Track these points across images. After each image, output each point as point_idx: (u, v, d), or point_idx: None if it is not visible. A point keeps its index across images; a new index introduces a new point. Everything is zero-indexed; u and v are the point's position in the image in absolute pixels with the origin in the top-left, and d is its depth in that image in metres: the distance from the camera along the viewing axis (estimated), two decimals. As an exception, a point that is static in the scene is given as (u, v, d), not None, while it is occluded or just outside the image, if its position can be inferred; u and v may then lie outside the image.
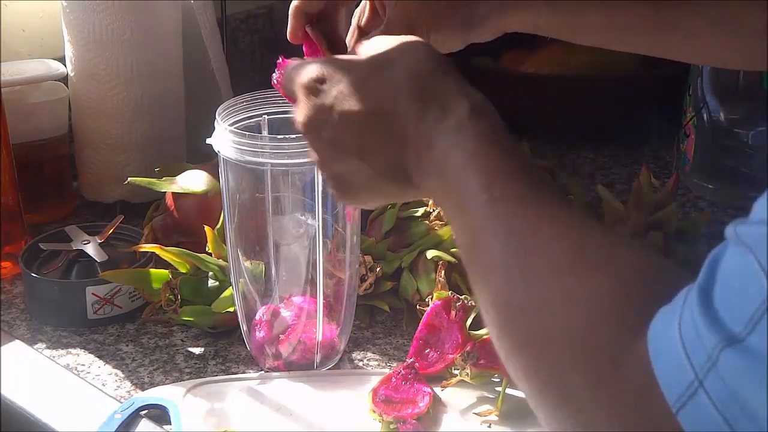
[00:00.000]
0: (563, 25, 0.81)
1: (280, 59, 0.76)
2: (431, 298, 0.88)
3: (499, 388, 0.83)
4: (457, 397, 0.85)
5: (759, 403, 0.43)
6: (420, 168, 0.64)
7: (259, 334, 0.88)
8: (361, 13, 0.82)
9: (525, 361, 0.54)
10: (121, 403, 0.85)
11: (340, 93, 0.67)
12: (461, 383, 0.86)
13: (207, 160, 1.00)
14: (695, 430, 0.45)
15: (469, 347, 0.85)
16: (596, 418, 0.50)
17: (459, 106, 0.63)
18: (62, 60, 1.13)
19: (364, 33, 0.80)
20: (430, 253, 0.95)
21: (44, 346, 0.94)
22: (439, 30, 0.78)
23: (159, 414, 0.83)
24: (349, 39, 0.81)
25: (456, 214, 0.62)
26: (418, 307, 0.93)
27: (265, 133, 0.87)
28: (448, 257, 0.94)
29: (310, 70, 0.69)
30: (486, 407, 0.83)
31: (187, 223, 1.01)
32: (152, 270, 0.95)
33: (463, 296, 0.87)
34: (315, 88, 0.68)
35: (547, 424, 0.54)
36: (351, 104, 0.66)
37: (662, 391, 0.46)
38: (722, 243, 0.47)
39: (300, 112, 0.69)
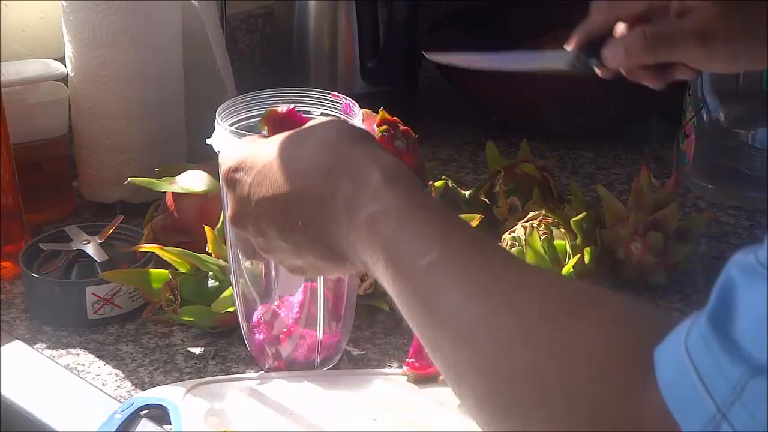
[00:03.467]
0: None
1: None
2: (431, 298, 0.88)
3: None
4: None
5: None
6: (348, 242, 0.62)
7: (259, 336, 0.88)
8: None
9: (515, 425, 0.51)
10: (121, 403, 0.85)
11: (253, 180, 0.67)
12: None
13: (207, 160, 1.00)
14: None
15: (469, 347, 0.85)
16: None
17: (370, 176, 0.62)
18: (62, 60, 1.13)
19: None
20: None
21: (44, 346, 0.94)
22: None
23: (159, 414, 0.83)
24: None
25: (398, 285, 0.58)
26: (418, 307, 0.93)
27: (264, 133, 0.87)
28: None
29: (227, 160, 0.70)
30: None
31: (187, 223, 1.01)
32: (152, 270, 0.95)
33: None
34: (233, 178, 0.69)
35: None
36: (264, 190, 0.66)
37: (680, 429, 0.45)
38: (727, 270, 0.45)
39: (228, 207, 0.70)
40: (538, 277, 0.55)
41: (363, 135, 0.67)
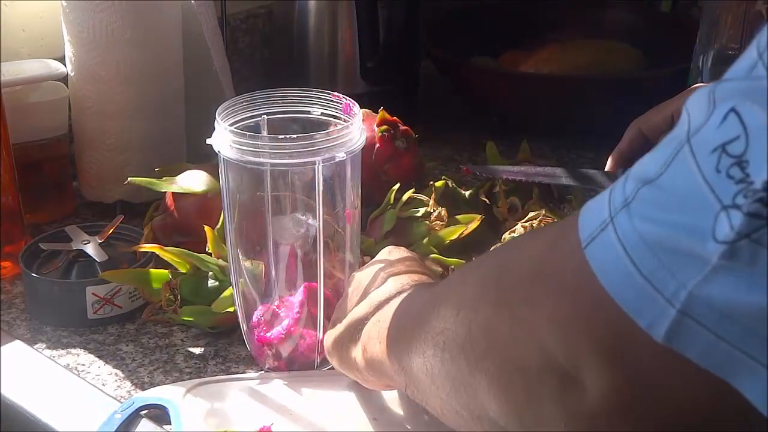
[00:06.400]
0: None
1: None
2: (431, 298, 0.88)
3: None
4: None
5: (662, 234, 0.44)
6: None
7: (260, 335, 0.88)
8: None
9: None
10: (121, 403, 0.85)
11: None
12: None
13: (207, 160, 1.00)
14: (599, 263, 0.47)
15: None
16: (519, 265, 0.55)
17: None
18: (62, 60, 1.13)
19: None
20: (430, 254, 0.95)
21: (44, 346, 0.94)
22: None
23: (159, 414, 0.83)
24: None
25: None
26: (418, 307, 0.93)
27: (264, 133, 0.87)
28: (448, 258, 0.94)
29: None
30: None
31: (187, 223, 1.01)
32: (152, 270, 0.95)
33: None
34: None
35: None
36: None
37: (578, 233, 0.49)
38: None
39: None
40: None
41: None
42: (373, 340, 0.74)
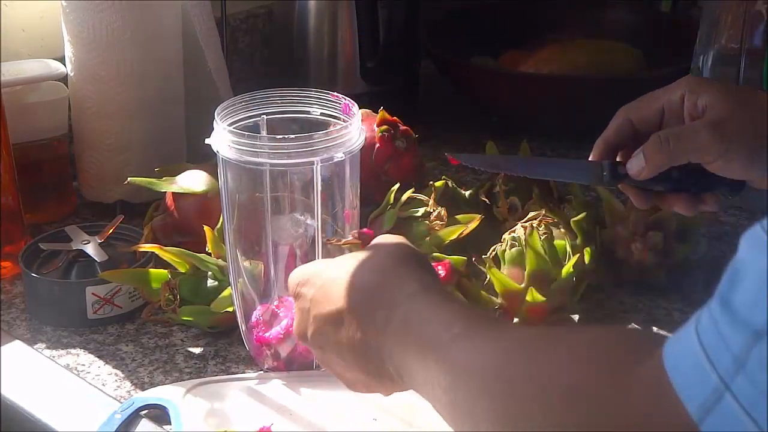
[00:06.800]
0: None
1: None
2: (431, 298, 0.88)
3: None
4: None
5: None
6: (388, 354, 0.67)
7: (258, 335, 0.88)
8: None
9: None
10: (121, 403, 0.85)
11: (314, 296, 0.72)
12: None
13: (207, 160, 1.00)
14: None
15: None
16: None
17: (407, 286, 0.68)
18: (62, 60, 1.13)
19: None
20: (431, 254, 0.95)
21: (44, 346, 0.94)
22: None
23: (159, 414, 0.83)
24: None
25: (428, 362, 0.63)
26: (417, 307, 0.92)
27: (263, 133, 0.87)
28: (449, 258, 0.94)
29: (296, 274, 0.75)
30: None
31: (187, 223, 1.01)
32: (152, 270, 0.95)
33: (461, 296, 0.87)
34: (298, 293, 0.74)
35: None
36: (321, 306, 0.71)
37: (680, 401, 0.44)
38: (739, 247, 0.45)
39: (295, 320, 0.75)
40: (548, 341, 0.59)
41: (413, 255, 0.72)
42: (424, 382, 0.66)
